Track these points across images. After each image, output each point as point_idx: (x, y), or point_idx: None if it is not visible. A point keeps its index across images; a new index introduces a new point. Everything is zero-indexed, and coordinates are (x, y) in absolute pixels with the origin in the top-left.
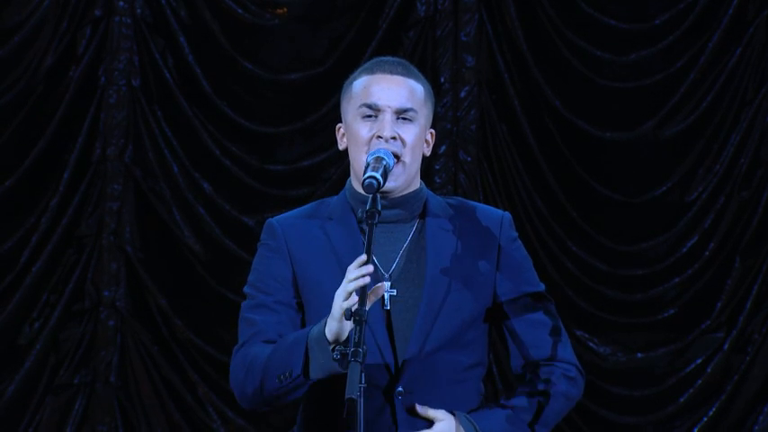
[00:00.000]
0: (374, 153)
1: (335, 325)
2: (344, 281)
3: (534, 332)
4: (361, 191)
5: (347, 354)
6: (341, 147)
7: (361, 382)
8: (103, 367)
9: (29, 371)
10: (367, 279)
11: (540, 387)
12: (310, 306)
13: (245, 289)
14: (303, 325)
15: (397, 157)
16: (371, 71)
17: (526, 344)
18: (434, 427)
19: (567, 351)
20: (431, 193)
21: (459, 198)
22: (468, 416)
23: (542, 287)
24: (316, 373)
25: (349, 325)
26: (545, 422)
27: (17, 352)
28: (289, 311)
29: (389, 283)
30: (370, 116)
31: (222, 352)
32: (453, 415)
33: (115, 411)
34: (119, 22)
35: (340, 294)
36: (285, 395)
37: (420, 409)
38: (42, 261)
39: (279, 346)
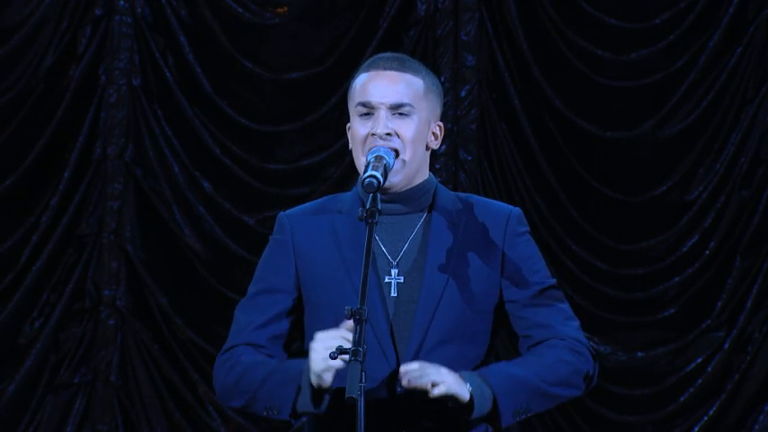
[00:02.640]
0: (375, 152)
1: (314, 378)
2: (328, 337)
3: (542, 316)
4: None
5: (347, 351)
6: (350, 146)
7: (361, 382)
8: (104, 366)
9: (29, 370)
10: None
11: (544, 350)
12: (311, 299)
13: (249, 288)
14: (301, 321)
15: (396, 153)
16: (368, 69)
17: (534, 325)
18: (440, 370)
19: (576, 332)
20: (441, 186)
21: (472, 194)
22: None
23: (552, 281)
24: (301, 408)
25: (330, 375)
26: (545, 378)
27: (17, 351)
28: (281, 305)
29: (396, 271)
30: (366, 114)
31: None
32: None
33: (115, 410)
34: (119, 22)
35: (318, 349)
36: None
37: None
38: (43, 260)
39: (271, 378)
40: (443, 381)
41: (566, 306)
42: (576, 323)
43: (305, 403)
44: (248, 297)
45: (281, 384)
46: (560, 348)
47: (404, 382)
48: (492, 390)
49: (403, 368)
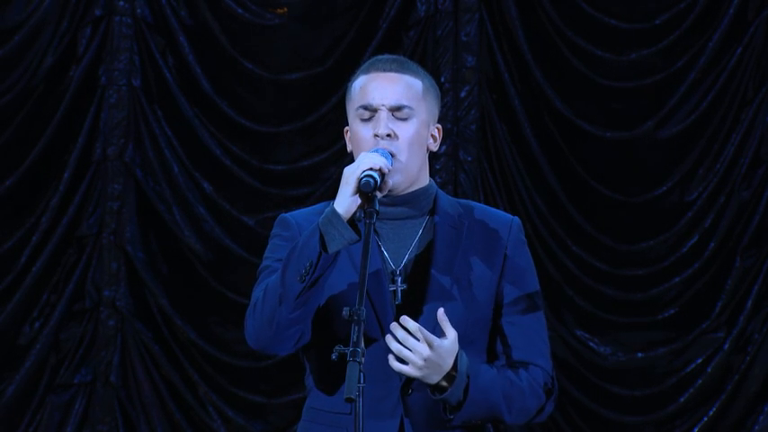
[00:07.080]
0: (373, 152)
1: (347, 200)
2: (361, 155)
3: (525, 337)
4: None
5: (345, 353)
6: (348, 149)
7: (360, 382)
8: (104, 367)
9: (29, 371)
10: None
11: (523, 377)
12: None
13: (258, 275)
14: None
15: (392, 155)
16: (367, 71)
17: (516, 346)
18: (448, 338)
19: (550, 363)
20: (441, 191)
21: (470, 200)
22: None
23: (540, 300)
24: (335, 247)
25: (356, 200)
26: (511, 406)
27: (17, 352)
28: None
29: (400, 278)
30: (368, 117)
31: (222, 351)
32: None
33: (115, 411)
34: (119, 22)
35: (353, 167)
36: (305, 296)
37: (441, 315)
38: (43, 261)
39: (290, 254)
40: (410, 369)
41: (544, 331)
42: (548, 351)
43: (339, 233)
44: (261, 281)
45: (301, 247)
46: (540, 387)
47: (391, 334)
48: (465, 396)
49: (403, 321)
